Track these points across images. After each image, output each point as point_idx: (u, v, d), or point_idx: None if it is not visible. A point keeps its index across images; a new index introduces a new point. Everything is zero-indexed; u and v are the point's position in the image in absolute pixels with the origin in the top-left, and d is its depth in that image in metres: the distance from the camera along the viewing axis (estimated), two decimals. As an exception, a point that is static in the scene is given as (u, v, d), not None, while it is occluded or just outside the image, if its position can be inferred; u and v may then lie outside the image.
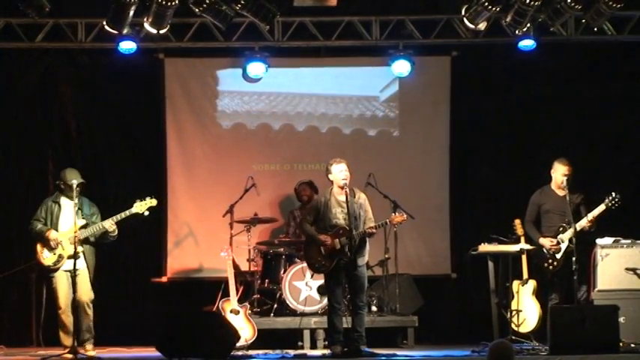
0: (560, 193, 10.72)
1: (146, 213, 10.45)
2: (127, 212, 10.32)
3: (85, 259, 10.25)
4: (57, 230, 10.32)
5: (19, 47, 12.03)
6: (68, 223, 10.28)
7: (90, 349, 10.22)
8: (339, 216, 10.06)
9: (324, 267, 10.11)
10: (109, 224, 10.26)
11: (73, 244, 10.07)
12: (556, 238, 10.62)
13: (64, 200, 10.38)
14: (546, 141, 12.68)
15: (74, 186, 10.20)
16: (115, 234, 10.37)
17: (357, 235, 9.95)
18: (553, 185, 10.84)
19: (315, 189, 12.02)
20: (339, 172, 10.07)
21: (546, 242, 10.65)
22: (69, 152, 12.56)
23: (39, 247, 10.33)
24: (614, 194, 10.46)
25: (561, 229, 10.60)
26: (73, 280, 10.12)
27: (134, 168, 12.76)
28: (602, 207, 10.51)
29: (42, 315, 11.96)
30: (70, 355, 10.02)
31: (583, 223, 10.49)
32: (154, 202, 10.46)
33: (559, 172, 10.76)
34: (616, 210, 10.58)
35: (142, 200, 10.40)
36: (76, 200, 10.24)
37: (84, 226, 10.26)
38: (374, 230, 10.08)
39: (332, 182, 10.18)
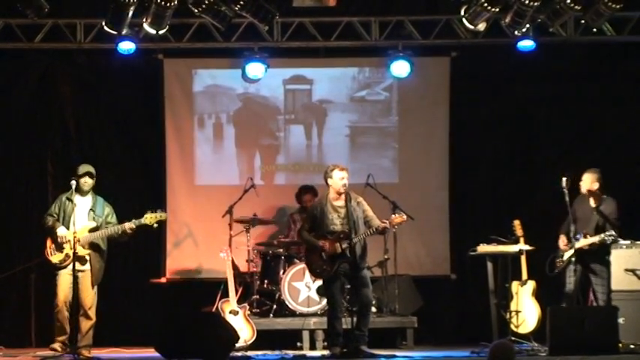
0: (592, 203, 10.61)
1: (155, 225, 10.43)
2: (137, 222, 10.27)
3: (91, 263, 10.21)
4: (68, 228, 10.25)
5: (19, 48, 12.03)
6: (80, 222, 10.21)
7: (86, 354, 10.18)
8: (336, 222, 10.05)
9: (325, 272, 10.08)
10: (129, 227, 10.21)
11: (83, 246, 10.06)
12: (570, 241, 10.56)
13: (78, 198, 10.31)
14: (546, 142, 12.68)
15: (79, 183, 10.19)
16: (131, 233, 10.33)
17: (356, 238, 9.94)
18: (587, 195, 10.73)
19: (316, 195, 11.95)
20: (340, 180, 10.04)
21: (561, 241, 10.58)
22: (68, 153, 12.56)
23: (49, 242, 10.28)
24: (613, 232, 10.35)
25: (577, 236, 10.50)
26: (75, 282, 10.10)
27: (133, 169, 12.76)
28: (595, 239, 10.40)
29: (42, 316, 11.93)
30: (68, 357, 10.02)
31: (580, 244, 10.41)
32: (164, 216, 10.44)
33: (582, 180, 10.62)
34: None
35: (152, 212, 10.34)
36: (89, 197, 10.26)
37: (94, 229, 10.23)
38: (386, 225, 10.02)
39: (329, 186, 10.16)
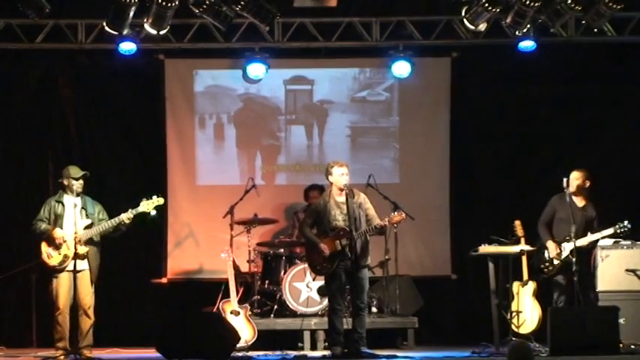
0: (579, 203, 10.62)
1: (153, 212, 10.38)
2: (134, 211, 10.25)
3: (89, 261, 10.20)
4: (62, 229, 10.23)
5: (20, 48, 12.02)
6: (71, 223, 10.21)
7: (87, 354, 10.18)
8: (339, 217, 10.07)
9: (325, 269, 10.12)
10: (126, 217, 10.16)
11: (80, 245, 10.02)
12: (560, 245, 10.56)
13: (67, 199, 10.30)
14: (546, 142, 12.68)
15: (74, 186, 10.18)
16: (128, 223, 10.30)
17: (357, 235, 9.96)
18: (573, 195, 10.75)
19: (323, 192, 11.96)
20: (341, 176, 10.08)
21: (551, 247, 10.59)
22: (69, 153, 12.56)
23: (44, 246, 10.23)
24: (626, 222, 10.36)
25: (567, 237, 10.52)
26: (74, 282, 10.11)
27: (134, 169, 12.77)
28: (610, 231, 10.40)
29: (43, 316, 11.93)
30: (70, 357, 10.02)
31: (584, 241, 10.42)
32: (160, 200, 10.38)
33: (572, 178, 10.63)
34: (616, 212, 10.56)
35: (148, 199, 10.32)
36: (77, 197, 10.23)
37: (88, 226, 10.21)
38: (385, 223, 10.02)
39: (331, 184, 10.18)
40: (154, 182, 12.57)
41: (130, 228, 10.41)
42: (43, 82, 12.61)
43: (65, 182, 10.32)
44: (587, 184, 10.63)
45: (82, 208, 10.26)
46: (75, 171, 10.32)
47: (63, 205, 10.28)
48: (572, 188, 10.57)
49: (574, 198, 10.63)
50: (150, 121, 12.81)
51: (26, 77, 12.59)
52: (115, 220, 10.22)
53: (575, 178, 10.61)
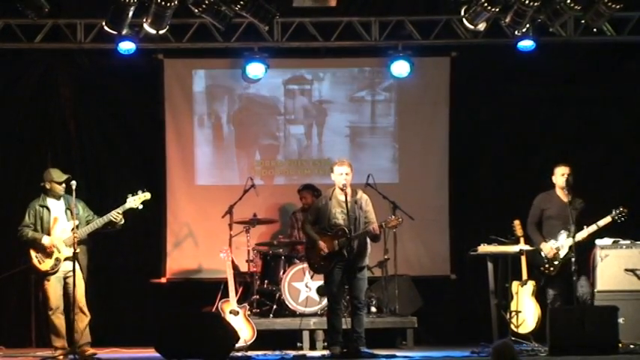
0: (565, 198, 10.65)
1: (140, 207, 10.35)
2: (122, 208, 10.22)
3: (79, 260, 10.16)
4: (49, 234, 10.19)
5: (19, 48, 12.03)
6: (60, 225, 10.20)
7: (88, 352, 10.18)
8: (339, 216, 10.08)
9: (323, 267, 10.16)
10: (114, 214, 10.15)
11: (72, 246, 9.97)
12: (556, 244, 10.57)
13: (51, 202, 10.27)
14: (545, 142, 12.67)
15: (57, 189, 10.16)
16: (122, 222, 10.27)
17: (355, 237, 9.95)
18: (558, 191, 10.78)
19: (316, 193, 11.94)
20: (339, 175, 10.10)
21: (546, 248, 10.61)
22: (69, 153, 12.56)
23: (33, 252, 10.20)
24: (621, 208, 10.40)
25: (561, 234, 10.54)
26: (66, 283, 10.10)
27: (133, 169, 12.74)
28: (607, 219, 10.45)
29: (41, 316, 11.93)
30: (69, 357, 10.02)
31: (584, 234, 10.44)
32: (147, 195, 10.34)
33: (559, 174, 10.74)
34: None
35: (134, 194, 10.30)
36: (60, 200, 10.23)
37: (77, 227, 10.20)
38: (375, 231, 10.03)
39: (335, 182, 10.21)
40: (153, 182, 12.57)
41: (122, 226, 10.38)
42: (43, 82, 12.60)
43: (47, 185, 10.30)
44: (571, 178, 10.63)
45: (67, 209, 10.23)
46: (57, 174, 10.30)
47: (48, 209, 10.25)
48: (562, 183, 10.61)
49: (560, 194, 10.68)
50: (149, 120, 12.80)
51: (25, 77, 12.58)
52: (104, 219, 10.21)
53: (561, 174, 10.64)
